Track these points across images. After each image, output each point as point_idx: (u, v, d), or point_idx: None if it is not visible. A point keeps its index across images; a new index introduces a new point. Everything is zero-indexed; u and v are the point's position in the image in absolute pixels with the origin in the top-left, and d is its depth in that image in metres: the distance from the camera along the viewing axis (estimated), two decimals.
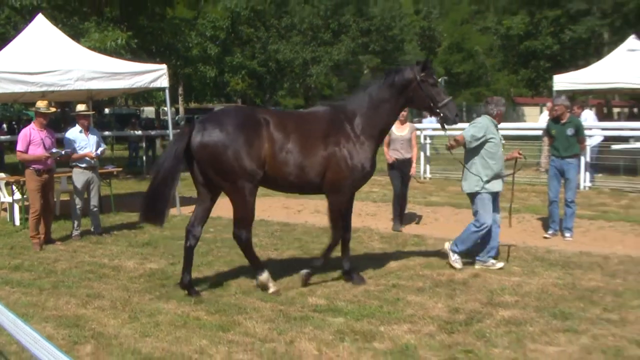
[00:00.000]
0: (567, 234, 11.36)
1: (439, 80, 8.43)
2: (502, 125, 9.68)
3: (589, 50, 49.04)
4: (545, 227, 11.95)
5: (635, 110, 35.45)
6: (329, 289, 8.30)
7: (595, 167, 18.21)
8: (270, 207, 14.88)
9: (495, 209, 9.42)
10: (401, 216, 12.66)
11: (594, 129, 18.38)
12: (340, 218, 8.62)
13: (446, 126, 8.58)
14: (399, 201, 12.62)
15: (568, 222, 11.37)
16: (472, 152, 9.28)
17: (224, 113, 8.38)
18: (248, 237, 8.27)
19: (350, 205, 8.84)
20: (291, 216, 14.35)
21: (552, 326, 6.81)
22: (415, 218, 13.57)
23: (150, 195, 8.05)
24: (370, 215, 14.09)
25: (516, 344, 6.34)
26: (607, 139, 18.71)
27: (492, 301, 7.70)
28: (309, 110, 9.73)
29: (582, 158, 16.19)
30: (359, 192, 9.12)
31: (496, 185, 9.24)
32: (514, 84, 65.22)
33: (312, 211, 14.86)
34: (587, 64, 29.63)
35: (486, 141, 9.17)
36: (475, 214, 9.35)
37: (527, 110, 69.01)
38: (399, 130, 12.33)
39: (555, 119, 11.51)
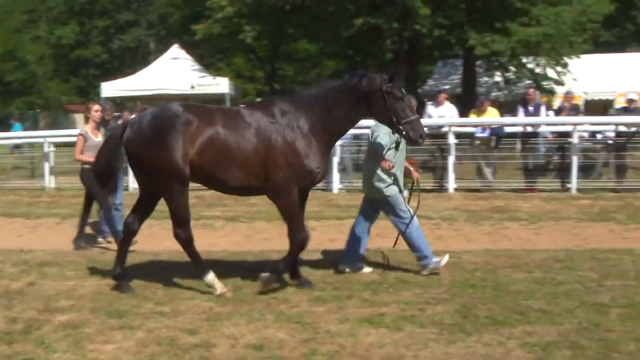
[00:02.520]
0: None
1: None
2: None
3: (137, 58, 50.44)
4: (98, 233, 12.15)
5: None
6: None
7: None
8: None
9: (374, 214, 9.27)
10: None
11: None
12: (295, 219, 8.05)
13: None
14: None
15: (120, 225, 11.60)
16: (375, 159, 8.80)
17: (153, 111, 8.02)
18: (187, 235, 8.20)
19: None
20: None
21: (108, 325, 6.95)
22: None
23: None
24: None
25: (75, 346, 6.38)
26: None
27: (49, 307, 7.62)
28: (252, 105, 8.97)
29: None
30: None
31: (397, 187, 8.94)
32: (65, 91, 64.65)
33: None
34: (134, 71, 30.47)
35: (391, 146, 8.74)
36: (395, 217, 9.00)
37: (79, 117, 68.80)
38: (95, 136, 11.21)
39: (104, 123, 11.78)
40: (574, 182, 15.65)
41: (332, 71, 48.69)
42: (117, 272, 8.43)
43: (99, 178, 8.59)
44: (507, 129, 17.11)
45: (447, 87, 31.83)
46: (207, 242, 11.17)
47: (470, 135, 16.75)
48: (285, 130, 7.89)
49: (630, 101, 17.60)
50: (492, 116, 17.04)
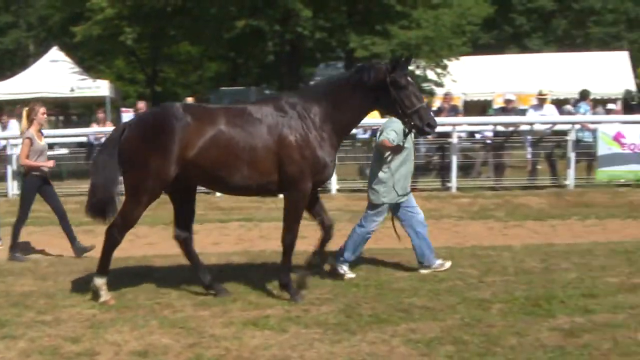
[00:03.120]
0: None
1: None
2: None
3: (16, 61, 49.01)
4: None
5: (61, 118, 36.59)
6: None
7: None
8: None
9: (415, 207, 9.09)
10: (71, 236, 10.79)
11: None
12: (293, 222, 7.77)
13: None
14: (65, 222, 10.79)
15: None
16: (383, 158, 8.59)
17: (152, 111, 7.69)
18: (119, 239, 7.80)
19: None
20: None
21: None
22: None
23: (96, 189, 7.79)
24: None
25: None
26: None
27: None
28: (259, 101, 8.64)
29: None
30: None
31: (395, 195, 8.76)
32: None
33: None
34: (13, 74, 29.64)
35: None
36: (363, 219, 8.93)
37: None
38: (39, 139, 10.57)
39: None
40: (453, 181, 16.09)
41: (214, 73, 48.51)
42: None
43: (98, 199, 7.81)
44: None
45: None
46: None
47: (352, 137, 16.93)
48: (297, 121, 7.62)
49: (508, 101, 18.14)
50: (373, 118, 17.28)
